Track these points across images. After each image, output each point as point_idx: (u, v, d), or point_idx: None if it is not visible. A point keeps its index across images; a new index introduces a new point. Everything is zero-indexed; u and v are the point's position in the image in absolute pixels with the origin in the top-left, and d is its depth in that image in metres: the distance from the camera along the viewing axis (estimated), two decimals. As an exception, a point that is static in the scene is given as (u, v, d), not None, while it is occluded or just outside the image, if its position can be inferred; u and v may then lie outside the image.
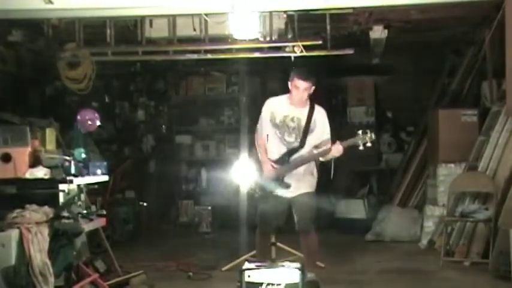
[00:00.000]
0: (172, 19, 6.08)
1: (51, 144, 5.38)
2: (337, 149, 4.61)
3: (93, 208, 5.35)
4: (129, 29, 6.23)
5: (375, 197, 8.50)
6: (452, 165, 6.76)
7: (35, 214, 4.18)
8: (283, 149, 4.79)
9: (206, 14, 5.75)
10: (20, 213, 4.15)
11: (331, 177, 4.83)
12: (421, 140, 8.04)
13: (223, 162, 8.29)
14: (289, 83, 4.75)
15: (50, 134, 5.40)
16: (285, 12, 5.92)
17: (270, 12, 5.92)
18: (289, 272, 3.76)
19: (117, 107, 8.91)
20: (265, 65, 7.78)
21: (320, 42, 6.20)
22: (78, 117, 5.47)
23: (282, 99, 4.86)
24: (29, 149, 4.86)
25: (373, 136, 4.61)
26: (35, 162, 4.81)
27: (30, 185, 4.57)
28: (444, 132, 6.92)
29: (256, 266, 3.84)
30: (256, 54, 6.36)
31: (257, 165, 4.92)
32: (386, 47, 7.37)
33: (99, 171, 5.24)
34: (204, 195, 8.93)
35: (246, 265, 3.89)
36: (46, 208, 4.30)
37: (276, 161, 4.79)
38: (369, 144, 4.60)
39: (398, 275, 5.63)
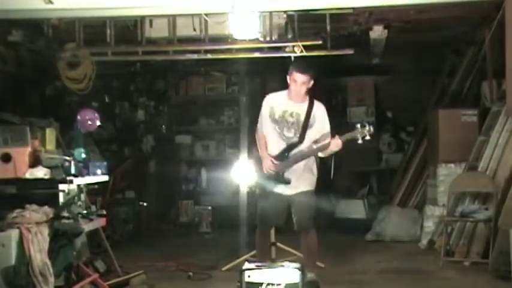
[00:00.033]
0: (172, 19, 6.08)
1: (51, 144, 5.38)
2: (336, 143, 4.58)
3: (93, 208, 5.35)
4: (129, 29, 6.23)
5: (375, 197, 8.52)
6: (452, 165, 6.75)
7: (35, 214, 4.18)
8: (283, 145, 4.78)
9: (206, 14, 5.75)
10: (20, 213, 4.15)
11: (331, 177, 4.84)
12: (421, 140, 8.04)
13: (223, 162, 8.29)
14: (288, 77, 4.74)
15: (50, 134, 5.41)
16: (285, 12, 5.92)
17: (270, 12, 5.93)
18: (289, 272, 3.76)
19: (117, 107, 8.90)
20: (265, 65, 7.77)
21: (320, 42, 6.20)
22: (78, 117, 5.47)
23: (281, 94, 4.85)
24: (29, 149, 4.86)
25: (372, 129, 4.57)
26: (35, 162, 4.81)
27: (30, 185, 4.57)
28: (444, 132, 6.92)
29: (256, 266, 3.84)
30: (256, 54, 6.36)
31: (257, 163, 4.91)
32: (386, 47, 7.38)
33: (99, 171, 5.24)
34: (204, 195, 8.92)
35: (246, 265, 3.89)
36: (46, 208, 4.30)
37: (276, 157, 4.78)
38: (367, 138, 4.56)
39: (398, 275, 5.63)
